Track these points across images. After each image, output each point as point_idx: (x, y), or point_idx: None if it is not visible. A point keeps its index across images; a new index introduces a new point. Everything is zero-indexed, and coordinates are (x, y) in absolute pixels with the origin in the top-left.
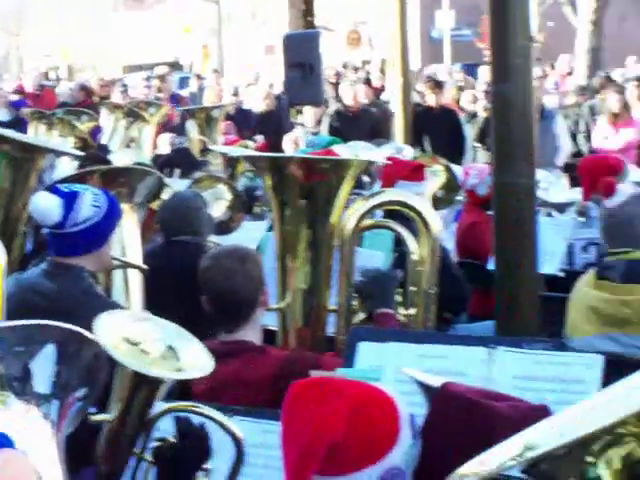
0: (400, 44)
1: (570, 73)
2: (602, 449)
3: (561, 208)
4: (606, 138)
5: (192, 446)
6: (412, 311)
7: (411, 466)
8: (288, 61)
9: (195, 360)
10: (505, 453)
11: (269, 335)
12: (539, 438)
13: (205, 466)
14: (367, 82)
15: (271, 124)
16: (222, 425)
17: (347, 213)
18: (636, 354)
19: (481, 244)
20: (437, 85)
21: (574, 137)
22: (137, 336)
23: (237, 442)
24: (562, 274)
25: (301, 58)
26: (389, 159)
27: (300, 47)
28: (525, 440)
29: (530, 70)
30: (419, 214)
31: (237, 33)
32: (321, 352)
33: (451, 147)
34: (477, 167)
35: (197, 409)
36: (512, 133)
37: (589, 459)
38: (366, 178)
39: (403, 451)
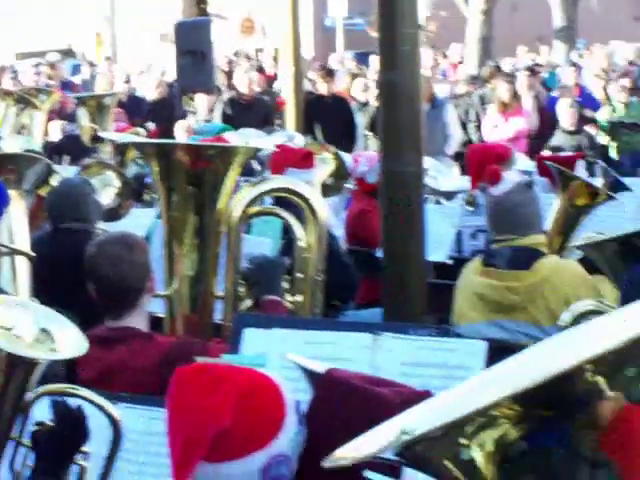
0: (292, 33)
1: (461, 62)
2: (475, 431)
3: (450, 196)
4: (496, 127)
5: (69, 428)
6: (299, 298)
7: (296, 452)
8: (180, 49)
9: (69, 341)
10: (382, 436)
11: (156, 322)
12: (415, 421)
13: (84, 449)
14: (260, 70)
15: (163, 112)
16: (99, 406)
17: (234, 200)
18: (521, 340)
19: (370, 232)
20: (329, 73)
21: (464, 126)
22: (9, 321)
23: (115, 424)
24: (450, 261)
25: (193, 46)
26: (278, 147)
27: (192, 35)
28: (401, 423)
29: (418, 58)
30: (307, 201)
31: (131, 21)
32: (208, 339)
33: (342, 135)
34: (367, 155)
35: (73, 391)
36: (400, 121)
37: (463, 441)
38: (257, 166)
39: (289, 437)
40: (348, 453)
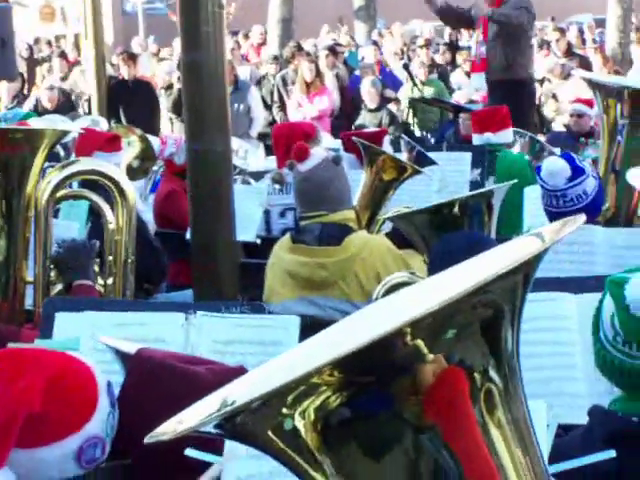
0: (93, 18)
1: (263, 43)
2: (297, 400)
3: (258, 176)
4: (300, 107)
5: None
6: (110, 281)
7: (110, 434)
8: None
9: None
10: (203, 410)
11: None
12: (236, 393)
13: None
14: (62, 56)
15: None
16: None
17: (42, 184)
18: (333, 316)
19: (179, 213)
20: (131, 57)
21: (269, 107)
22: None
23: None
24: (259, 241)
25: None
26: (84, 130)
27: None
28: (222, 396)
29: (222, 38)
30: (115, 183)
31: None
32: (20, 325)
33: (147, 119)
34: (174, 136)
35: None
36: (205, 101)
37: (285, 411)
38: (62, 152)
39: (102, 419)
40: (169, 428)
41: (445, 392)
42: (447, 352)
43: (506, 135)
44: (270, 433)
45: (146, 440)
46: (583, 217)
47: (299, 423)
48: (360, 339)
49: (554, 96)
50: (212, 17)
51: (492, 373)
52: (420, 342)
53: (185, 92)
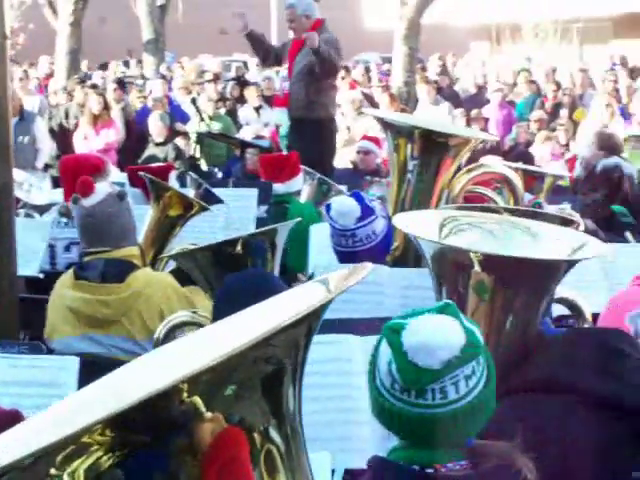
0: None
1: (51, 75)
2: (66, 460)
3: (44, 209)
4: (86, 139)
5: None
6: None
7: None
8: None
9: None
10: None
11: None
12: (2, 450)
13: None
14: None
15: None
16: None
17: None
18: (116, 354)
19: None
20: None
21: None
22: None
23: None
24: (41, 275)
25: None
26: None
27: None
28: None
29: (5, 68)
30: None
31: None
32: None
33: None
34: None
35: None
36: None
37: (53, 471)
38: None
39: None
40: None
41: (224, 454)
42: (226, 410)
43: (296, 183)
44: None
45: None
46: (370, 265)
47: None
48: (133, 395)
49: (347, 128)
50: None
51: (273, 433)
52: (197, 399)
53: None
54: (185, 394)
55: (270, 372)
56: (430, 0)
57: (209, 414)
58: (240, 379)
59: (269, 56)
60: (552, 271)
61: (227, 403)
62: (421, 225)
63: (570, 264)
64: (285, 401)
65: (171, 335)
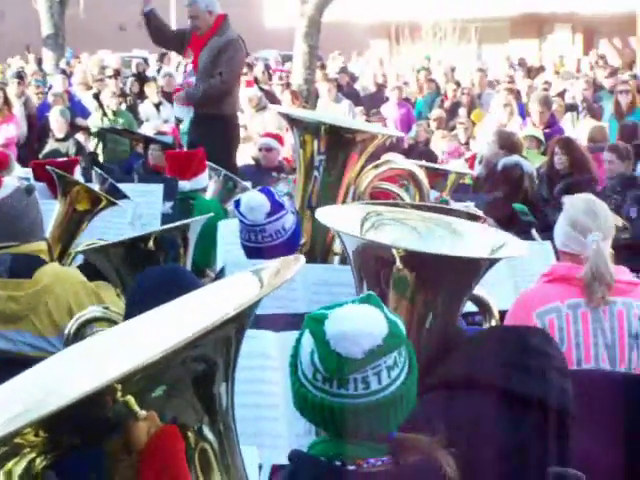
0: None
1: None
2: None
3: None
4: None
5: None
6: None
7: None
8: None
9: None
10: None
11: None
12: None
13: None
14: None
15: None
16: None
17: None
18: (25, 351)
19: None
20: None
21: None
22: None
23: None
24: None
25: None
26: None
27: None
28: None
29: None
30: None
31: None
32: None
33: None
34: None
35: None
36: None
37: None
38: None
39: None
40: None
41: (160, 452)
42: (160, 409)
43: (202, 180)
44: None
45: None
46: (302, 258)
47: None
48: (64, 396)
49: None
50: None
51: (206, 431)
52: (131, 399)
53: None
54: (119, 393)
55: (202, 370)
56: None
57: (143, 413)
58: (173, 377)
59: (165, 37)
60: (473, 269)
61: (161, 402)
62: (343, 219)
63: (491, 262)
64: (218, 398)
65: (81, 331)
